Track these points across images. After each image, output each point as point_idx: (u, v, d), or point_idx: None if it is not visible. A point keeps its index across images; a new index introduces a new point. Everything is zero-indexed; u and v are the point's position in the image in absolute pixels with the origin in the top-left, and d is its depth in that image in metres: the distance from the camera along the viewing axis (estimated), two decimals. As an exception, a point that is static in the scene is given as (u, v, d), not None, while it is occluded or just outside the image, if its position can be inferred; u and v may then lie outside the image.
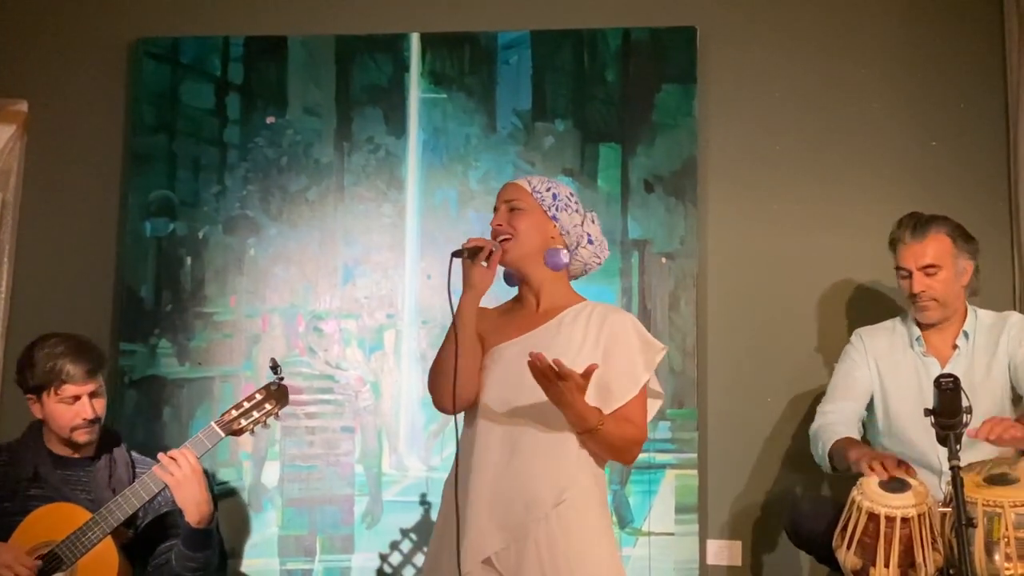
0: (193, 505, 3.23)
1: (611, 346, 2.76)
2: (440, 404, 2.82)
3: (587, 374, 2.61)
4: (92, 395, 3.36)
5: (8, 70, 4.31)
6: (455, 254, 2.77)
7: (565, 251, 2.85)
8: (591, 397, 2.69)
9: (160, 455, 3.27)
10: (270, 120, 4.20)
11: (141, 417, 4.05)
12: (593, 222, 2.90)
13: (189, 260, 4.16)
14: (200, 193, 4.18)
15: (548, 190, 2.85)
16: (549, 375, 2.58)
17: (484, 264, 2.79)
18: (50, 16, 4.36)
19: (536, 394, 2.65)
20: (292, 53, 4.23)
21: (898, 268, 3.44)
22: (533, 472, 2.70)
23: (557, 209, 2.83)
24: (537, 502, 2.67)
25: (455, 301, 2.77)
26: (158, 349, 4.09)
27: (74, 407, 3.34)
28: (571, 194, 2.89)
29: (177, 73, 4.25)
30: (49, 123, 4.28)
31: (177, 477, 3.22)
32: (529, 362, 2.58)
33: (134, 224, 4.17)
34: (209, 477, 3.49)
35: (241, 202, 4.17)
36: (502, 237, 2.82)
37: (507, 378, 2.73)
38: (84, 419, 3.34)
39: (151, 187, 4.19)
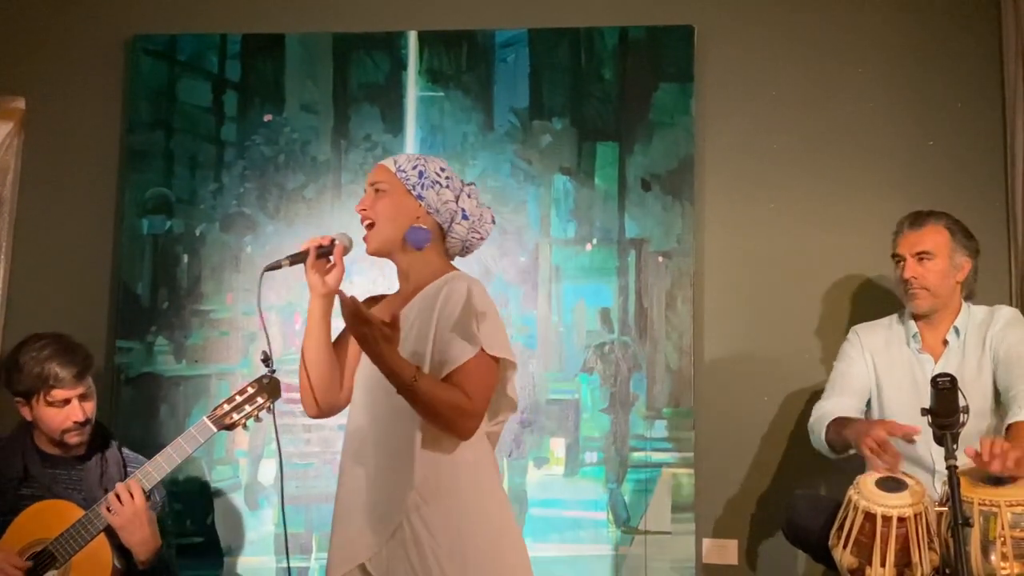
0: (139, 546, 3.21)
1: (443, 312, 2.63)
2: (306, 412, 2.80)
3: (392, 323, 2.47)
4: (81, 398, 3.33)
5: (5, 67, 4.30)
6: (268, 268, 2.70)
7: (427, 229, 2.72)
8: (427, 365, 2.60)
9: (110, 494, 3.21)
10: (267, 118, 4.20)
11: (137, 414, 4.05)
12: (469, 196, 2.77)
13: (186, 257, 4.15)
14: (197, 191, 4.18)
15: (414, 168, 2.73)
16: (351, 317, 2.46)
17: (330, 260, 2.72)
18: (47, 13, 4.35)
19: (393, 397, 2.56)
20: (289, 51, 4.22)
21: (893, 256, 3.47)
22: (393, 471, 2.62)
23: (423, 187, 2.72)
24: (396, 501, 2.60)
25: (307, 317, 2.72)
26: (155, 347, 4.09)
27: (64, 411, 3.31)
28: (442, 169, 2.77)
29: (174, 70, 4.25)
30: (46, 120, 4.28)
31: (120, 520, 3.18)
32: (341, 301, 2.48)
33: (131, 221, 4.17)
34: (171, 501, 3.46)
35: (238, 200, 4.17)
36: (366, 223, 2.74)
37: (371, 373, 2.61)
38: (74, 422, 3.32)
39: (148, 184, 4.19)
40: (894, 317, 3.56)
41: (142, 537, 3.20)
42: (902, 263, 3.44)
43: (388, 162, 2.78)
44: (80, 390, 3.33)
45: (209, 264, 4.14)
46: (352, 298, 2.46)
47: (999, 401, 3.36)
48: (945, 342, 3.44)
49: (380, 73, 4.19)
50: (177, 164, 4.20)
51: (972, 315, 3.45)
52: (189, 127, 4.21)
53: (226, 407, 3.27)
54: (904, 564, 2.93)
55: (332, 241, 2.75)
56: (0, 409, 3.64)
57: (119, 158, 4.24)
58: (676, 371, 3.95)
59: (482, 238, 2.82)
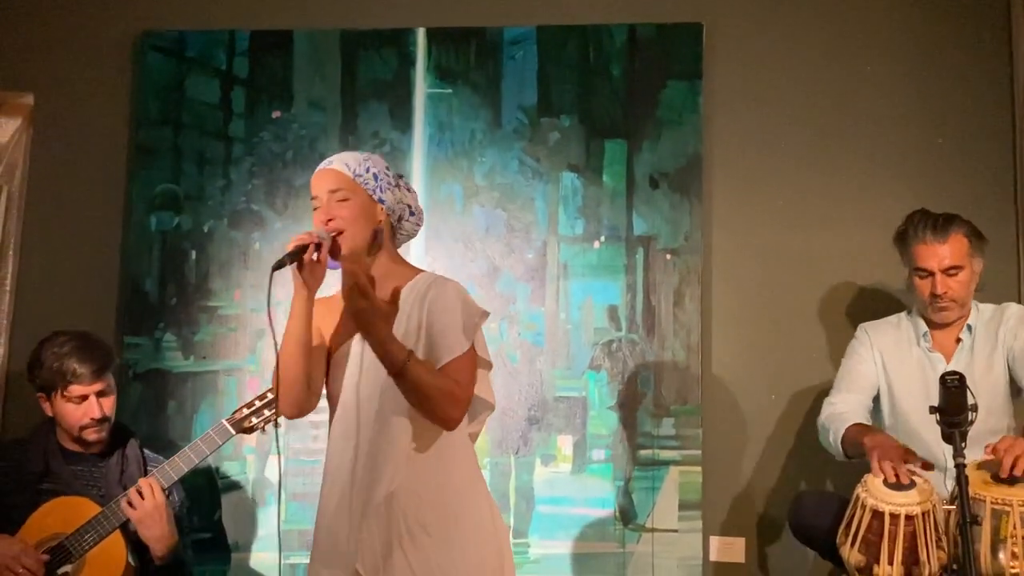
0: (156, 541, 3.27)
1: (433, 310, 2.63)
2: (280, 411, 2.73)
3: (392, 299, 2.50)
4: (100, 394, 3.38)
5: (14, 63, 4.31)
6: (276, 266, 2.63)
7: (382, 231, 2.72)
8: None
9: (130, 490, 3.27)
10: (275, 114, 4.20)
11: (145, 410, 4.05)
12: (410, 191, 2.81)
13: (194, 254, 4.15)
14: (205, 187, 4.18)
15: (368, 171, 2.70)
16: (352, 291, 2.46)
17: (315, 257, 2.65)
18: (55, 9, 4.35)
19: (380, 393, 2.61)
20: (297, 47, 4.22)
21: (917, 269, 3.38)
22: (375, 474, 2.60)
23: (381, 190, 2.70)
24: (375, 505, 2.58)
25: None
26: (163, 343, 4.09)
27: (82, 407, 3.36)
28: (387, 168, 2.76)
29: (182, 67, 4.25)
30: (54, 116, 4.28)
31: (139, 514, 3.24)
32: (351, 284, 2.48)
33: (139, 217, 4.17)
34: (181, 504, 3.50)
35: (246, 196, 4.17)
36: (334, 232, 2.67)
37: (359, 376, 2.65)
38: (92, 418, 3.36)
39: (156, 181, 4.19)
40: (902, 315, 3.55)
41: (160, 532, 3.25)
42: (928, 278, 3.36)
43: (340, 167, 2.70)
44: (98, 387, 3.37)
45: (217, 260, 4.14)
46: (357, 271, 2.48)
47: (1013, 397, 3.36)
48: (958, 340, 3.43)
49: (388, 70, 4.19)
50: (185, 160, 4.20)
51: (980, 313, 3.45)
52: (197, 123, 4.22)
53: (245, 411, 3.35)
54: (912, 562, 2.93)
55: (325, 236, 2.68)
56: (14, 404, 3.67)
57: (127, 154, 4.24)
58: (684, 369, 3.94)
59: (419, 228, 2.88)
